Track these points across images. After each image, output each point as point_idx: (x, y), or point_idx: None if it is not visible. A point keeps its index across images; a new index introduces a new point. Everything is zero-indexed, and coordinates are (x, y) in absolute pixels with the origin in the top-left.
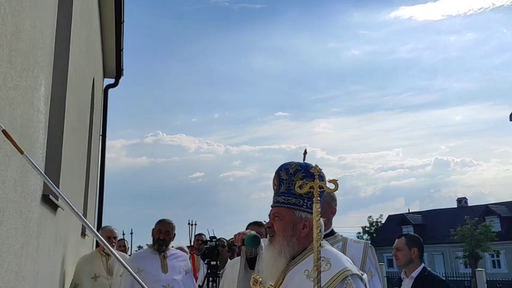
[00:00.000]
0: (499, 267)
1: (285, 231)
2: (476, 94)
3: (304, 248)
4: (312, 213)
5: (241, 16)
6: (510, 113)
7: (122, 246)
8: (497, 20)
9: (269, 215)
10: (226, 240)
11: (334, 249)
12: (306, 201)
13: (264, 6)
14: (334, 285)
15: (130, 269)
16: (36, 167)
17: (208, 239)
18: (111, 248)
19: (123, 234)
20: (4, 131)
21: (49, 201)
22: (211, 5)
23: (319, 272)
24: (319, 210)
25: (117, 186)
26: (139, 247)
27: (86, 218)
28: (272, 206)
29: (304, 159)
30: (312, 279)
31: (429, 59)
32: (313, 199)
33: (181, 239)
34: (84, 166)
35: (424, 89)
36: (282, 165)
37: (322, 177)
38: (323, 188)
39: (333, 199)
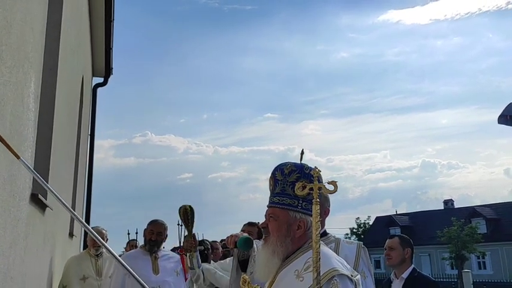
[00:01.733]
0: (485, 268)
1: (279, 232)
2: (463, 98)
3: (298, 249)
4: (307, 214)
5: (231, 17)
6: (498, 116)
7: (134, 247)
8: (483, 25)
9: (265, 215)
10: (209, 243)
11: (327, 250)
12: (300, 202)
13: (254, 7)
14: (321, 285)
15: (128, 267)
16: (33, 171)
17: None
18: (110, 249)
19: (136, 233)
20: None
21: (38, 200)
22: (201, 6)
23: (319, 273)
24: (318, 211)
25: (105, 187)
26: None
27: (74, 219)
28: (268, 207)
29: (301, 160)
30: (301, 279)
31: (417, 62)
32: (313, 200)
33: (171, 240)
34: (72, 165)
35: (412, 92)
36: (277, 166)
37: (309, 175)
38: (322, 189)
39: (326, 200)
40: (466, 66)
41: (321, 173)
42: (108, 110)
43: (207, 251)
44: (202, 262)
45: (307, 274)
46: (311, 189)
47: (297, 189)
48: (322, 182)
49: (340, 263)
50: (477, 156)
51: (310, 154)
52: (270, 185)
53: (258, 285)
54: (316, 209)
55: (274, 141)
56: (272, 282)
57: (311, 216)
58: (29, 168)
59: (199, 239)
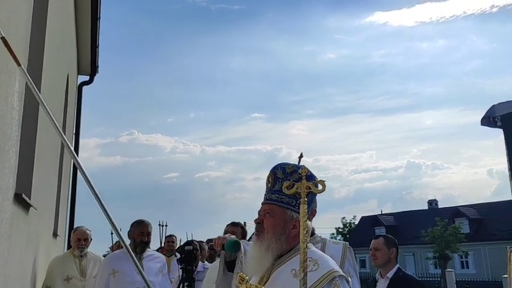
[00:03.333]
0: (468, 267)
1: (275, 229)
2: (447, 99)
3: (292, 248)
4: None
5: (219, 17)
6: (481, 117)
7: (121, 247)
8: (467, 28)
9: (259, 211)
10: (199, 243)
11: (319, 251)
12: (298, 202)
13: (242, 7)
14: (322, 285)
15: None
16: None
17: (186, 242)
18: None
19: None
20: (3, 39)
21: (21, 200)
22: (189, 5)
23: (306, 274)
24: (306, 211)
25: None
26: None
27: (58, 218)
28: (264, 203)
29: (299, 163)
30: (299, 278)
31: (403, 64)
32: (300, 200)
33: (152, 240)
34: (56, 165)
35: (398, 94)
36: (279, 164)
37: (311, 178)
38: (310, 189)
39: (313, 200)
40: (450, 68)
41: (309, 172)
42: (94, 108)
43: (196, 252)
44: (191, 262)
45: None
46: (298, 188)
47: (284, 188)
48: (314, 181)
49: (335, 264)
50: (461, 157)
51: (297, 154)
52: (269, 182)
53: (257, 284)
54: (303, 208)
55: (261, 141)
56: (263, 280)
57: (308, 218)
58: (28, 79)
59: (188, 239)
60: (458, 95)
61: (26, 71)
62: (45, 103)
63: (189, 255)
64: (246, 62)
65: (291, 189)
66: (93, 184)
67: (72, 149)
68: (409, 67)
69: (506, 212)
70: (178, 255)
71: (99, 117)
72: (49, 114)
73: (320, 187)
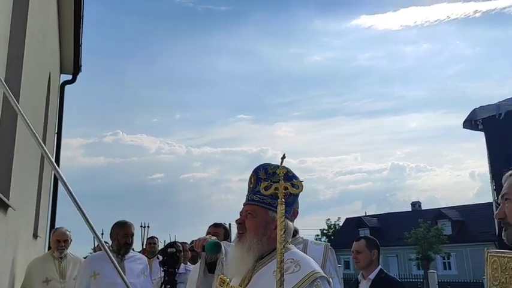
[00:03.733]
0: (450, 269)
1: (256, 229)
2: (431, 102)
3: (274, 249)
4: (285, 216)
5: (206, 18)
6: (463, 120)
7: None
8: (451, 32)
9: (241, 212)
10: (182, 244)
11: (301, 252)
12: None
13: (229, 8)
14: (304, 287)
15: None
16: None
17: (168, 244)
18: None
19: (102, 234)
20: None
21: None
22: (175, 5)
23: (282, 274)
24: (284, 211)
25: (72, 187)
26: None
27: (38, 218)
28: (245, 204)
29: (281, 164)
30: (276, 279)
31: (387, 67)
32: (278, 200)
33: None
34: (37, 164)
35: (382, 96)
36: (261, 165)
37: (292, 178)
38: (288, 189)
39: (295, 201)
40: (434, 71)
41: (288, 172)
42: (78, 108)
43: (179, 253)
44: (173, 265)
45: (288, 275)
46: (276, 188)
47: (262, 189)
48: (294, 181)
49: (317, 265)
50: (444, 160)
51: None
52: (251, 183)
53: (239, 286)
54: (281, 209)
55: (247, 142)
56: (244, 282)
57: (288, 218)
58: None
59: (171, 241)
60: (441, 98)
61: (3, 80)
62: (24, 113)
63: (171, 258)
64: (233, 64)
65: (268, 189)
66: (72, 191)
67: (53, 158)
68: (394, 70)
69: (488, 214)
70: (161, 257)
71: (82, 117)
72: (28, 125)
73: (299, 188)
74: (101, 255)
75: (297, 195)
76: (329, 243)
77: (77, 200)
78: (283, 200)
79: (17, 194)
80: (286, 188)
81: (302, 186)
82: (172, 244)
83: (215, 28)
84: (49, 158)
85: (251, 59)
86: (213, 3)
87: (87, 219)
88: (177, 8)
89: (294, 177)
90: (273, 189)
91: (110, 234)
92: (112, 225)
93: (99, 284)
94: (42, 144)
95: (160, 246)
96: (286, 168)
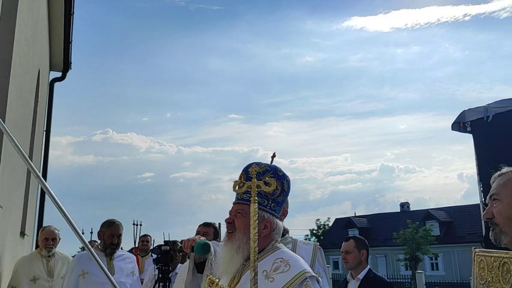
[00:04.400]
0: (437, 269)
1: (246, 229)
2: (420, 104)
3: (263, 248)
4: (274, 215)
5: (198, 17)
6: (452, 123)
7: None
8: (441, 35)
9: (230, 211)
10: (179, 243)
11: (291, 252)
12: (270, 202)
13: (221, 8)
14: (293, 286)
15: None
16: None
17: (162, 243)
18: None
19: (91, 233)
20: None
21: None
22: (166, 4)
23: (256, 273)
24: (256, 210)
25: (61, 185)
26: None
27: (26, 217)
28: (235, 203)
29: (271, 162)
30: (271, 279)
31: (378, 69)
32: (251, 198)
33: (126, 239)
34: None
35: (372, 98)
36: (251, 164)
37: (282, 177)
38: (261, 187)
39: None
40: (424, 74)
41: (264, 169)
42: (67, 106)
43: (173, 252)
44: (168, 262)
45: (277, 275)
46: (249, 186)
47: (234, 187)
48: (269, 178)
49: (307, 265)
50: (433, 161)
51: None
52: (241, 181)
53: (227, 286)
54: (254, 207)
55: (237, 142)
56: (234, 281)
57: (278, 218)
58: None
59: (165, 240)
60: (431, 100)
61: None
62: (9, 131)
63: (165, 256)
64: (224, 63)
65: (241, 188)
66: (55, 197)
67: (40, 173)
68: (384, 72)
69: (475, 215)
70: (155, 255)
71: (72, 115)
72: (14, 142)
73: (271, 186)
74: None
75: (287, 194)
76: (318, 243)
77: (59, 202)
78: (256, 198)
79: (3, 192)
80: (258, 186)
81: (275, 184)
82: (167, 242)
83: (207, 27)
84: (35, 173)
85: (243, 59)
86: (205, 3)
87: (69, 221)
88: (169, 6)
89: (284, 176)
90: (245, 188)
91: (98, 233)
92: (101, 224)
93: (88, 283)
94: (28, 159)
95: (153, 245)
96: (260, 165)
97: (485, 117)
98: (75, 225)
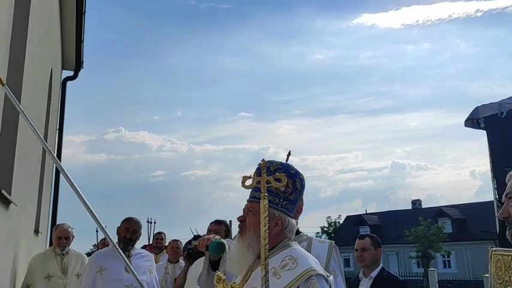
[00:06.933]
0: (450, 267)
1: (256, 227)
2: (432, 101)
3: (274, 246)
4: (286, 213)
5: (208, 16)
6: (465, 119)
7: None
8: (452, 32)
9: (244, 209)
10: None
11: (302, 249)
12: (281, 200)
13: (231, 6)
14: (298, 284)
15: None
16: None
17: (193, 237)
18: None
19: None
20: None
21: (1, 196)
22: (177, 3)
23: (267, 271)
24: (267, 206)
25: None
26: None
27: (40, 214)
28: (248, 201)
29: (286, 160)
30: (278, 276)
31: (388, 66)
32: (261, 194)
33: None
34: (39, 161)
35: (383, 95)
36: (265, 161)
37: (294, 175)
38: (270, 182)
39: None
40: (435, 70)
41: (272, 164)
42: (80, 105)
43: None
44: (198, 258)
45: (285, 272)
46: (258, 182)
47: (242, 182)
48: (279, 174)
49: (316, 263)
50: (444, 158)
51: (284, 153)
52: (250, 176)
53: (234, 283)
54: (264, 203)
55: (248, 140)
56: (245, 278)
57: (290, 216)
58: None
59: (195, 234)
60: (442, 97)
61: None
62: (24, 111)
63: (192, 252)
64: (235, 62)
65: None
66: (75, 185)
67: (55, 154)
68: (394, 69)
69: (488, 212)
70: (184, 252)
71: (85, 114)
72: (30, 123)
73: (281, 182)
74: (108, 251)
75: (300, 192)
76: (333, 241)
77: (81, 193)
78: (266, 194)
79: (18, 190)
80: (268, 182)
81: (285, 180)
82: (196, 237)
83: (217, 26)
84: (50, 153)
85: (253, 57)
86: (215, 1)
87: (94, 215)
88: (180, 5)
89: (297, 173)
90: (254, 183)
91: (117, 229)
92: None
93: (105, 280)
94: (43, 139)
95: (166, 242)
96: (273, 163)
97: (499, 113)
98: (97, 217)
